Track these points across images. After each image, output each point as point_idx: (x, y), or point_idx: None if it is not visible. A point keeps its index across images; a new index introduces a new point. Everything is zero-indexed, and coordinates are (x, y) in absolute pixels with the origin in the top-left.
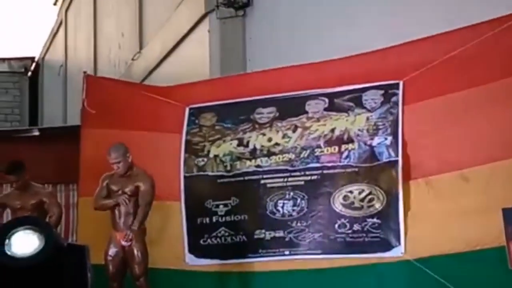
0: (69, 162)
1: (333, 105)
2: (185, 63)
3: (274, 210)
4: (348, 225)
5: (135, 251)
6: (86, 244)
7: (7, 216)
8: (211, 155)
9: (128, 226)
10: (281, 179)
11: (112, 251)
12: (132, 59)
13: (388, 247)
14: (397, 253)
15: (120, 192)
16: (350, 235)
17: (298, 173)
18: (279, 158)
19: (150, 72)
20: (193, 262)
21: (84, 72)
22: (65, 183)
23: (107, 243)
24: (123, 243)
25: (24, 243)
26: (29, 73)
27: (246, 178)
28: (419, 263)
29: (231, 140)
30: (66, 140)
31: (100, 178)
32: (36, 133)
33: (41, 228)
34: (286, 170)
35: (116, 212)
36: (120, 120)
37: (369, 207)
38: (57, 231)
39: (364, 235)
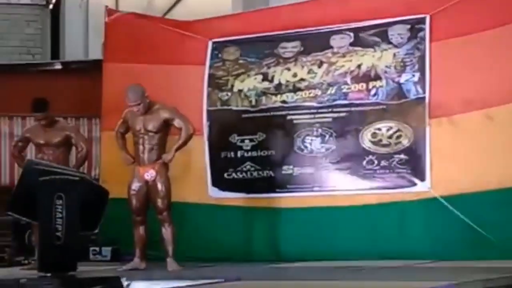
0: (91, 96)
1: (359, 40)
2: None
3: (302, 147)
4: (376, 161)
5: (159, 185)
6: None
7: (31, 151)
8: (235, 90)
9: (151, 161)
10: (308, 116)
11: (135, 185)
12: None
13: (414, 182)
14: (423, 188)
15: (142, 130)
16: (378, 171)
17: (325, 110)
18: (305, 94)
19: (172, 7)
20: (217, 195)
21: (106, 7)
22: (88, 117)
23: (131, 178)
24: (146, 177)
25: None
26: (51, 6)
27: (272, 113)
28: (444, 200)
29: (255, 74)
30: (88, 74)
31: (121, 112)
32: (59, 66)
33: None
34: (312, 107)
35: (140, 147)
36: (142, 54)
37: (396, 143)
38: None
39: (391, 171)
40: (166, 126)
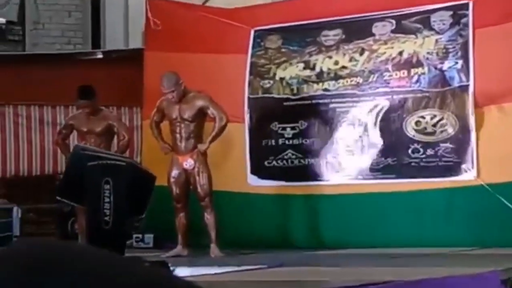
0: (132, 85)
1: (401, 27)
2: None
3: (345, 135)
4: (421, 150)
5: (198, 173)
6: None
7: (74, 138)
8: (277, 78)
9: (189, 149)
10: (350, 104)
11: (174, 173)
12: None
13: (461, 171)
14: (469, 177)
15: (178, 118)
16: (424, 160)
17: (367, 98)
18: (346, 81)
19: None
20: (255, 183)
21: None
22: (129, 106)
23: (169, 166)
24: (185, 166)
25: None
26: None
27: (313, 101)
28: (491, 188)
29: (297, 63)
30: (130, 63)
31: None
32: (100, 55)
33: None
34: (354, 95)
35: (177, 135)
36: (183, 42)
37: (441, 132)
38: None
39: (438, 159)
40: (201, 114)
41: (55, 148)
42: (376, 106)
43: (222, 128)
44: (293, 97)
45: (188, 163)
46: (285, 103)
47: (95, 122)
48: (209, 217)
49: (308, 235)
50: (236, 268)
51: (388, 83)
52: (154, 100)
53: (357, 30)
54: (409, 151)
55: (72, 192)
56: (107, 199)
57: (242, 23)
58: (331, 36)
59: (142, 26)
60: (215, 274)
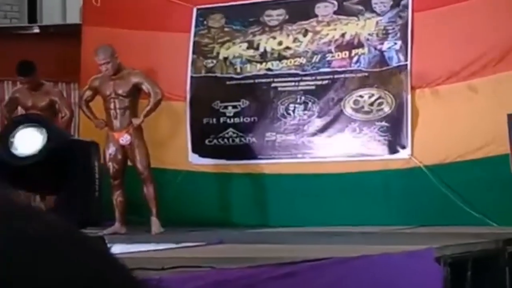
0: (69, 60)
1: (343, 9)
2: None
3: (285, 114)
4: (357, 129)
5: (136, 148)
6: (93, 140)
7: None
8: (220, 57)
9: (124, 126)
10: (292, 83)
11: (111, 150)
12: None
13: (395, 149)
14: (404, 155)
15: (112, 94)
16: (360, 139)
17: (309, 78)
18: (290, 62)
19: None
20: (196, 161)
21: None
22: (66, 82)
23: (105, 143)
24: (122, 142)
25: (28, 141)
26: None
27: (256, 81)
28: (426, 169)
29: (241, 42)
30: (67, 38)
31: None
32: (37, 30)
33: (45, 125)
34: (297, 74)
35: (112, 111)
36: (122, 18)
37: (378, 111)
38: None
39: (373, 138)
40: (136, 91)
41: None
42: (317, 86)
43: (157, 103)
44: (236, 76)
45: (125, 138)
46: (228, 82)
47: (38, 97)
48: (148, 190)
49: (249, 214)
50: (174, 245)
51: (330, 63)
52: (91, 76)
53: (300, 11)
54: (346, 129)
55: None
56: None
57: (185, 1)
58: (274, 16)
59: (79, 0)
60: (153, 250)
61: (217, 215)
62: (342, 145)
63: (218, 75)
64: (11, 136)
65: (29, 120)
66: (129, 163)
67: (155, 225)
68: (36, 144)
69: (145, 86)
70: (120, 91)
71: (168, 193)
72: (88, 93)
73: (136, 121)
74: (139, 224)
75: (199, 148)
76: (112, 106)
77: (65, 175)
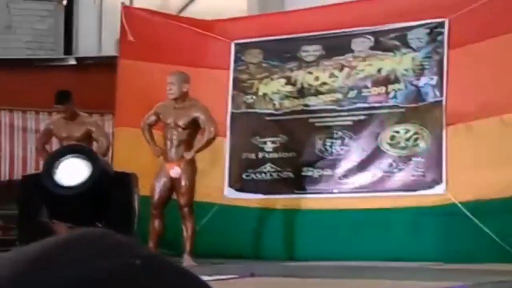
0: (104, 92)
1: (379, 44)
2: None
3: (323, 149)
4: (394, 164)
5: (182, 182)
6: (134, 172)
7: (53, 145)
8: (260, 93)
9: (177, 158)
10: (329, 119)
11: (160, 179)
12: None
13: (431, 184)
14: (439, 191)
15: (172, 124)
16: (396, 174)
17: (346, 113)
18: (327, 97)
19: (187, 4)
20: (232, 195)
21: (122, 3)
22: (100, 113)
23: (157, 172)
24: (172, 174)
25: (72, 171)
26: (65, 1)
27: (294, 116)
28: (460, 204)
29: (279, 78)
30: (102, 70)
31: (136, 109)
32: (73, 62)
33: (89, 156)
34: (334, 110)
35: (168, 142)
36: (159, 53)
37: (414, 146)
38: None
39: (409, 173)
40: (195, 124)
41: (24, 154)
42: (354, 121)
43: (209, 141)
44: (275, 112)
45: (175, 171)
46: (267, 118)
47: (74, 127)
48: (187, 228)
49: (281, 248)
50: (207, 278)
51: (367, 99)
52: (126, 108)
53: (336, 46)
54: (383, 165)
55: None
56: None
57: (221, 35)
58: (311, 51)
59: (116, 33)
60: None
61: (248, 248)
62: (378, 180)
63: (258, 110)
64: (55, 166)
65: (74, 150)
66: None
67: (187, 261)
68: (80, 175)
69: (202, 121)
70: (179, 122)
71: (201, 225)
72: (152, 118)
73: (187, 155)
74: (172, 256)
75: (235, 182)
76: (169, 136)
77: (105, 207)
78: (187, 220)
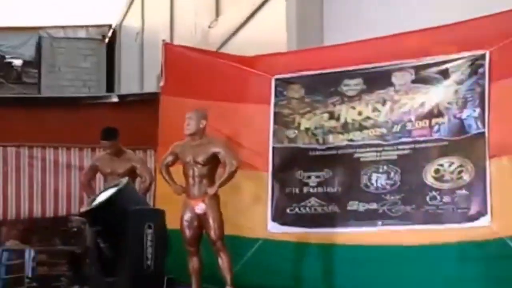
0: (146, 128)
1: (420, 77)
2: (261, 32)
3: (368, 183)
4: (438, 197)
5: (210, 217)
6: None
7: (100, 181)
8: (302, 128)
9: (201, 194)
10: (374, 153)
11: (187, 216)
12: (209, 27)
13: (476, 216)
14: (484, 222)
15: (191, 161)
16: (440, 207)
17: (390, 148)
18: (371, 132)
19: (226, 40)
20: (276, 229)
21: (163, 41)
22: (143, 149)
23: (182, 209)
24: (197, 211)
25: (104, 195)
26: (107, 40)
27: (339, 152)
28: (506, 238)
29: (322, 113)
30: (144, 107)
31: None
32: (115, 99)
33: (120, 185)
34: (379, 145)
35: (190, 180)
36: (200, 89)
37: (458, 179)
38: (146, 197)
39: (454, 206)
40: (215, 159)
41: (68, 191)
42: (398, 155)
43: (231, 174)
44: (318, 147)
45: (200, 207)
46: (310, 153)
47: (119, 164)
48: (222, 261)
49: (325, 282)
50: None
51: (411, 133)
52: (168, 144)
53: (377, 80)
54: (427, 198)
55: (101, 219)
56: (149, 243)
57: (262, 71)
58: (352, 85)
59: (157, 69)
60: None
61: (292, 282)
62: (423, 214)
63: (301, 145)
64: (97, 195)
65: (114, 185)
66: None
67: None
68: (107, 196)
69: (221, 156)
70: (199, 159)
71: (243, 260)
72: (170, 158)
73: (211, 191)
74: None
75: (279, 217)
76: (190, 173)
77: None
78: (221, 253)
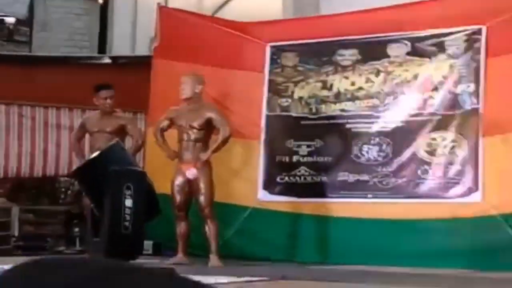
0: (137, 91)
1: (416, 50)
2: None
3: (359, 154)
4: (430, 171)
5: (201, 183)
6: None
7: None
8: (295, 96)
9: (193, 159)
10: (366, 124)
11: (178, 181)
12: None
13: (467, 192)
14: (475, 199)
15: (186, 126)
16: (432, 181)
17: (382, 119)
18: (363, 102)
19: (221, 6)
20: (266, 198)
21: (158, 3)
22: (133, 112)
23: (174, 174)
24: (188, 176)
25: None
26: (101, 0)
27: (331, 121)
28: (500, 217)
29: (315, 82)
30: (136, 69)
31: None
32: (108, 60)
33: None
34: (371, 116)
35: (184, 143)
36: (193, 53)
37: (451, 153)
38: (136, 157)
39: (446, 180)
40: (209, 125)
41: (58, 151)
42: (390, 127)
43: (225, 141)
44: (311, 116)
45: (191, 172)
46: (302, 122)
47: (107, 122)
48: (208, 228)
49: (314, 251)
50: (236, 279)
51: (403, 105)
52: (159, 108)
53: (372, 51)
54: (419, 172)
55: (88, 179)
56: (128, 204)
57: (257, 38)
58: (347, 56)
59: (150, 32)
60: (214, 283)
61: (281, 251)
62: (414, 187)
63: (293, 114)
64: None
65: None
66: None
67: (213, 261)
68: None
69: (216, 122)
70: (194, 123)
71: (233, 228)
72: (165, 122)
73: (203, 156)
74: (199, 257)
75: (269, 185)
76: (184, 137)
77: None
78: (209, 220)
